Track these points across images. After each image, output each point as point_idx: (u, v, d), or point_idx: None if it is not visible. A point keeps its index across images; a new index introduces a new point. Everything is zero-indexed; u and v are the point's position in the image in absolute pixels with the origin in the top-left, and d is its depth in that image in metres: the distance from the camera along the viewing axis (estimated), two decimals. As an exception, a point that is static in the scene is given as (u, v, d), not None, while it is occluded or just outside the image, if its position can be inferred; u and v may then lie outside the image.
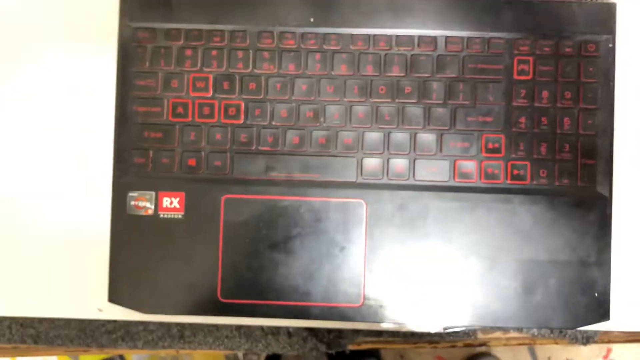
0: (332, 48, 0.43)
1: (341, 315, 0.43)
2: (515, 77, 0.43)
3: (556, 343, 0.46)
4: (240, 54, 0.43)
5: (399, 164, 0.43)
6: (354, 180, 0.43)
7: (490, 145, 0.43)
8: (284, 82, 0.43)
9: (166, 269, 0.43)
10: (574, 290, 0.42)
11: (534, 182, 0.43)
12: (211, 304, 0.43)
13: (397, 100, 0.43)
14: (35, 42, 0.45)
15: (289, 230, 0.43)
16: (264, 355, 0.84)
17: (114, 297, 0.43)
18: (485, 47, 0.43)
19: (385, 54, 0.43)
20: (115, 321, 0.45)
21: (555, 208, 0.42)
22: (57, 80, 0.45)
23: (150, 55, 0.43)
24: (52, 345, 0.46)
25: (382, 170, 0.43)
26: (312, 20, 0.43)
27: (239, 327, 0.45)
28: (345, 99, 0.43)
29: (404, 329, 0.45)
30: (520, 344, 0.46)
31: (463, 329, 0.45)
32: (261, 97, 0.43)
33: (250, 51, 0.43)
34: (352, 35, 0.43)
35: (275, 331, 0.45)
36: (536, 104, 0.43)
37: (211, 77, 0.43)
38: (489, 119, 0.43)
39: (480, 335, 0.46)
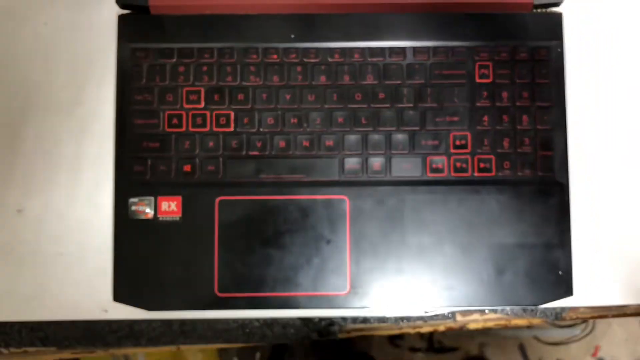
0: (311, 61, 0.48)
1: (330, 303, 0.46)
2: (477, 80, 0.48)
3: (529, 323, 0.50)
4: (229, 68, 0.48)
5: (377, 162, 0.47)
6: (336, 178, 0.47)
7: (457, 142, 0.47)
8: (269, 92, 0.48)
9: (166, 267, 0.46)
10: (540, 270, 0.46)
11: (499, 174, 0.47)
12: (209, 298, 0.46)
13: (372, 106, 0.48)
14: (41, 61, 0.49)
15: (279, 227, 0.46)
16: (258, 355, 0.86)
17: (119, 296, 0.46)
18: (449, 55, 0.48)
19: (360, 65, 0.48)
20: (119, 321, 0.48)
21: (519, 196, 0.47)
22: (60, 98, 0.49)
23: (147, 73, 0.48)
24: (60, 347, 0.48)
25: (361, 168, 0.47)
26: (292, 36, 0.48)
27: (236, 321, 0.48)
28: (325, 106, 0.48)
29: (388, 314, 0.49)
30: (496, 325, 0.50)
31: (442, 311, 0.49)
32: (249, 106, 0.48)
33: (238, 66, 0.48)
34: (329, 49, 0.48)
35: (270, 322, 0.48)
36: (497, 104, 0.48)
37: (203, 90, 0.48)
38: (455, 118, 0.48)
39: (459, 318, 0.50)
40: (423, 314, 0.49)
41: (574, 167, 0.48)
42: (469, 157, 0.47)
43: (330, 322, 0.49)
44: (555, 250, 0.46)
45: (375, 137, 0.47)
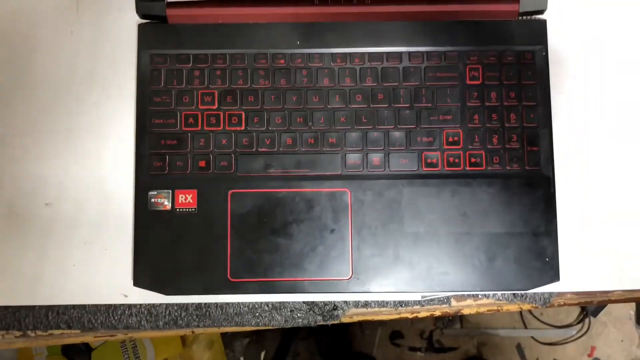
0: (316, 65, 0.52)
1: (333, 287, 0.50)
2: (468, 82, 0.52)
3: (519, 307, 0.54)
4: (240, 72, 0.52)
5: (376, 157, 0.51)
6: (339, 172, 0.51)
7: (450, 139, 0.51)
8: (277, 94, 0.52)
9: (183, 255, 0.50)
10: (528, 257, 0.50)
11: (489, 168, 0.51)
12: (222, 283, 0.50)
13: (371, 106, 0.52)
14: (68, 66, 0.54)
15: (286, 217, 0.50)
16: (263, 354, 0.89)
17: (138, 282, 0.50)
18: (442, 59, 0.52)
19: (360, 68, 0.52)
20: (138, 305, 0.52)
21: (508, 188, 0.51)
22: (85, 100, 0.53)
23: (165, 77, 0.52)
24: (84, 330, 0.52)
25: (362, 163, 0.51)
26: (298, 43, 0.52)
27: (246, 305, 0.52)
28: (329, 106, 0.52)
29: (388, 299, 0.52)
30: (489, 310, 0.54)
31: (438, 296, 0.53)
32: (259, 107, 0.52)
33: (249, 70, 0.52)
34: (332, 54, 0.52)
35: (279, 306, 0.52)
36: (487, 104, 0.52)
37: (216, 92, 0.52)
38: (448, 117, 0.52)
39: (454, 303, 0.53)
40: (420, 299, 0.53)
41: (558, 161, 0.52)
42: (461, 152, 0.51)
43: (334, 306, 0.53)
44: (542, 239, 0.50)
45: (375, 134, 0.51)
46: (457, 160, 0.51)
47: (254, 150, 0.51)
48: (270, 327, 0.53)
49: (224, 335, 1.02)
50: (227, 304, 0.52)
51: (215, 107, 0.52)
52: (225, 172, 0.51)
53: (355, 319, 0.54)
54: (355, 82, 0.52)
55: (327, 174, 0.51)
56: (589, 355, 1.28)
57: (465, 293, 0.53)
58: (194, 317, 0.52)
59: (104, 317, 0.52)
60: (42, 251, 0.52)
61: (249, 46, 0.52)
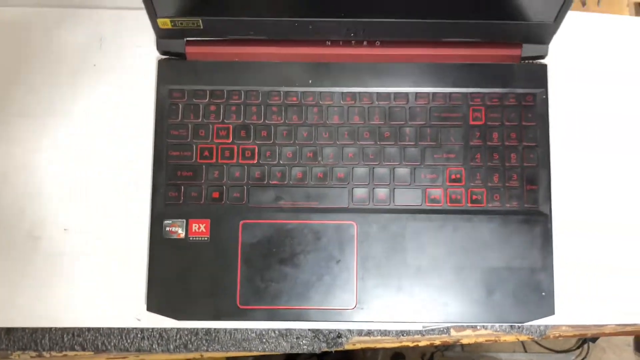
0: (326, 103, 0.55)
1: (338, 316, 0.52)
2: (471, 122, 0.54)
3: (517, 338, 0.56)
4: (254, 108, 0.55)
5: (382, 192, 0.54)
6: (346, 206, 0.54)
7: (453, 177, 0.54)
8: (289, 130, 0.54)
9: (195, 282, 0.52)
10: (525, 291, 0.52)
11: (490, 205, 0.53)
12: (232, 310, 0.52)
13: (378, 143, 0.54)
14: (90, 98, 0.56)
15: (295, 248, 0.53)
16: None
17: (151, 306, 0.53)
18: (447, 100, 0.55)
19: (368, 107, 0.55)
20: (150, 329, 0.54)
21: (507, 225, 0.53)
22: (105, 131, 0.56)
23: (182, 111, 0.54)
24: (97, 351, 0.54)
25: (368, 197, 0.54)
26: (310, 82, 0.55)
27: (254, 331, 0.54)
28: (338, 142, 0.54)
29: (390, 328, 0.54)
30: (487, 340, 0.56)
31: (438, 326, 0.55)
32: (271, 142, 0.54)
33: (262, 106, 0.55)
34: (342, 93, 0.55)
35: (285, 333, 0.54)
36: (488, 143, 0.54)
37: (231, 127, 0.54)
38: (451, 155, 0.54)
39: (453, 333, 0.55)
40: (421, 329, 0.55)
41: (556, 199, 0.54)
42: (463, 189, 0.54)
43: (339, 334, 0.55)
44: (539, 274, 0.52)
45: (381, 170, 0.54)
46: (459, 197, 0.54)
47: (265, 182, 0.54)
48: (276, 353, 0.55)
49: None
50: (236, 329, 0.54)
51: (230, 140, 0.54)
52: (238, 203, 0.54)
53: (359, 346, 0.56)
54: (363, 120, 0.55)
55: (335, 207, 0.54)
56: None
57: (464, 324, 0.55)
58: (204, 341, 0.54)
59: (117, 340, 0.54)
60: (60, 274, 0.54)
61: (263, 83, 0.55)
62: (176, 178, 0.54)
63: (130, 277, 0.54)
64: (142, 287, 0.53)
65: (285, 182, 0.54)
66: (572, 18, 0.58)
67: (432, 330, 0.55)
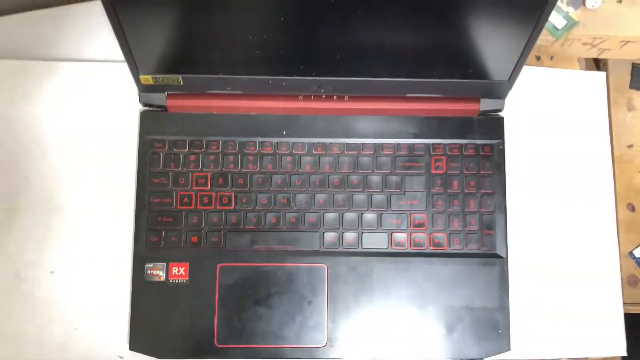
0: (299, 153, 0.59)
1: (310, 354, 0.56)
2: (433, 171, 0.59)
3: (477, 371, 0.60)
4: (231, 157, 0.58)
5: (350, 236, 0.58)
6: (317, 249, 0.57)
7: (416, 222, 0.58)
8: (264, 177, 0.58)
9: (175, 322, 0.56)
10: (483, 329, 0.56)
11: (450, 248, 0.58)
12: (210, 348, 0.55)
13: (347, 190, 0.58)
14: (75, 144, 0.60)
15: (269, 289, 0.56)
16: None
17: (134, 345, 0.56)
18: (411, 150, 0.59)
19: (338, 157, 0.59)
20: (132, 366, 0.57)
21: (467, 267, 0.57)
22: (89, 177, 0.59)
23: (163, 160, 0.58)
24: (81, 388, 0.57)
25: (338, 241, 0.58)
26: (284, 132, 0.59)
27: (231, 367, 0.58)
28: (309, 189, 0.58)
29: (359, 364, 0.58)
30: (449, 373, 0.60)
31: (403, 362, 0.59)
32: (247, 189, 0.58)
33: (239, 155, 0.58)
34: (313, 143, 0.59)
35: (260, 369, 0.58)
36: (449, 191, 0.58)
37: (209, 175, 0.58)
38: (415, 202, 0.58)
39: (417, 367, 0.59)
40: (387, 364, 0.59)
41: (512, 242, 0.58)
42: (425, 234, 0.58)
43: (310, 369, 0.58)
44: (496, 312, 0.57)
45: (350, 216, 0.58)
46: (422, 241, 0.58)
47: (241, 227, 0.57)
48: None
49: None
50: (214, 366, 0.58)
51: (208, 188, 0.58)
52: (215, 247, 0.57)
53: (330, 380, 0.60)
54: (333, 168, 0.58)
55: (307, 250, 0.57)
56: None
57: (428, 359, 0.59)
58: (183, 378, 0.57)
59: (101, 376, 0.57)
60: (47, 314, 0.57)
61: (240, 134, 0.59)
62: (157, 223, 0.57)
63: (114, 318, 0.57)
64: (125, 327, 0.56)
65: (260, 227, 0.57)
66: (528, 72, 0.63)
67: (398, 365, 0.59)
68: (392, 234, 0.58)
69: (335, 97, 0.59)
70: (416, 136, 0.59)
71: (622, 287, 0.62)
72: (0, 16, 0.64)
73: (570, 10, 0.61)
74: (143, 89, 0.57)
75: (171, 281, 0.56)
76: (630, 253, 0.63)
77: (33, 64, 0.61)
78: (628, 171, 0.64)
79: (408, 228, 0.58)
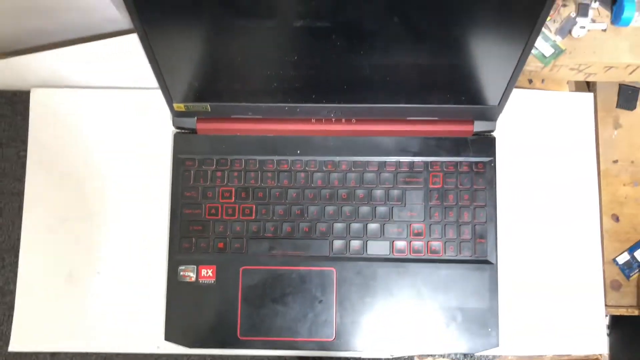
0: (311, 169, 0.66)
1: (320, 346, 0.64)
2: (431, 186, 0.66)
3: (470, 365, 0.67)
4: (252, 174, 0.66)
5: (356, 244, 0.65)
6: (327, 255, 0.65)
7: (415, 231, 0.65)
8: (281, 191, 0.66)
9: (204, 317, 0.64)
10: (475, 326, 0.63)
11: (446, 255, 0.65)
12: (233, 340, 0.64)
13: (354, 203, 0.66)
14: (120, 162, 0.69)
15: (285, 290, 0.64)
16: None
17: (168, 336, 0.64)
18: (411, 167, 0.66)
19: (346, 173, 0.66)
20: (168, 354, 0.66)
21: (460, 272, 0.64)
22: (131, 190, 0.68)
23: (193, 176, 0.66)
24: (124, 372, 0.67)
25: (345, 248, 0.65)
26: (298, 152, 0.67)
27: (252, 357, 0.66)
28: (320, 202, 0.66)
29: (364, 356, 0.66)
30: (446, 366, 0.67)
31: (403, 355, 0.66)
32: (266, 201, 0.66)
33: (259, 172, 0.66)
34: (324, 161, 0.66)
35: (277, 358, 0.66)
36: (445, 204, 0.66)
37: (234, 189, 0.66)
38: (414, 214, 0.65)
39: (416, 358, 0.67)
40: (389, 357, 0.66)
41: (501, 250, 0.65)
42: (423, 242, 0.65)
43: (321, 360, 0.66)
44: (486, 312, 0.64)
45: (356, 225, 0.66)
46: (420, 248, 0.65)
47: (261, 235, 0.66)
48: (271, 375, 0.67)
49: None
50: (237, 356, 0.66)
51: (232, 200, 0.66)
52: (238, 253, 0.65)
53: (339, 369, 0.68)
54: (342, 183, 0.66)
55: (318, 255, 0.65)
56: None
57: (425, 353, 0.66)
58: (211, 365, 0.66)
59: (141, 363, 0.66)
60: (95, 309, 0.66)
61: (260, 153, 0.67)
62: (188, 231, 0.66)
63: (152, 313, 0.66)
64: (161, 321, 0.65)
65: (278, 235, 0.66)
66: (520, 94, 0.69)
67: (398, 358, 0.66)
68: (394, 242, 0.65)
69: (343, 120, 0.66)
70: (415, 154, 0.66)
71: (606, 291, 0.68)
72: (52, 49, 0.73)
73: (558, 39, 0.67)
74: (176, 114, 0.66)
75: (200, 282, 0.65)
76: (614, 260, 0.69)
77: (84, 91, 0.70)
78: (613, 185, 0.70)
79: (408, 237, 0.65)
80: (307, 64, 0.57)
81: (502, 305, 0.64)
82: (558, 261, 0.66)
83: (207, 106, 0.64)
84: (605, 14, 0.66)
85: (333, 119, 0.66)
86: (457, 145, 0.66)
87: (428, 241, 0.65)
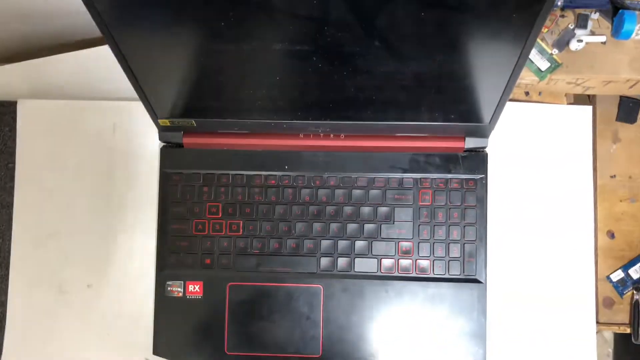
0: (299, 185, 0.66)
1: (307, 363, 0.64)
2: (420, 203, 0.65)
3: (458, 380, 0.67)
4: (239, 189, 0.66)
5: (344, 261, 0.65)
6: (314, 272, 0.65)
7: (404, 249, 0.65)
8: (268, 207, 0.66)
9: (191, 332, 0.65)
10: (462, 345, 0.63)
11: (434, 273, 0.64)
12: (220, 355, 0.64)
13: (341, 219, 0.65)
14: (107, 174, 0.68)
15: (272, 306, 0.64)
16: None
17: (157, 350, 0.65)
18: (400, 184, 0.65)
19: (334, 189, 0.65)
20: (156, 367, 0.67)
21: (448, 290, 0.64)
22: (118, 203, 0.68)
23: (181, 191, 0.66)
24: (114, 383, 0.68)
25: (332, 265, 0.65)
26: (286, 167, 0.66)
27: (239, 371, 0.67)
28: (308, 218, 0.65)
29: (350, 372, 0.66)
30: (433, 381, 0.67)
31: (390, 371, 0.66)
32: (254, 217, 0.66)
33: (246, 188, 0.66)
34: (312, 177, 0.65)
35: (264, 373, 0.67)
36: (434, 222, 0.65)
37: (221, 205, 0.66)
38: (402, 231, 0.65)
39: (403, 376, 0.67)
40: (376, 372, 0.66)
41: (492, 266, 0.64)
42: (411, 260, 0.64)
43: (308, 375, 0.67)
44: (474, 330, 0.63)
45: (343, 243, 0.65)
46: (408, 266, 0.64)
47: (248, 251, 0.65)
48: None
49: None
50: (225, 370, 0.67)
51: (219, 216, 0.66)
52: (226, 269, 0.65)
53: (326, 383, 0.68)
54: (329, 200, 0.65)
55: (305, 272, 0.65)
56: None
57: (413, 369, 0.66)
58: (199, 378, 0.67)
59: (130, 375, 0.67)
60: (85, 322, 0.67)
61: (247, 168, 0.66)
62: (176, 247, 0.66)
63: (141, 326, 0.66)
64: (150, 335, 0.66)
65: (265, 251, 0.65)
66: (515, 108, 0.67)
67: (385, 374, 0.66)
68: (381, 260, 0.64)
69: (332, 135, 0.65)
70: (405, 171, 0.65)
71: (598, 308, 0.67)
72: (41, 57, 0.73)
73: (555, 52, 0.65)
74: (161, 129, 0.65)
75: (188, 297, 0.65)
76: (608, 277, 0.68)
77: (74, 103, 0.70)
78: (610, 200, 0.68)
79: (396, 254, 0.64)
80: (290, 84, 0.56)
81: (492, 321, 0.64)
82: (550, 278, 0.65)
83: (192, 122, 0.63)
84: (606, 25, 0.64)
85: (321, 134, 0.65)
86: (447, 162, 0.65)
87: (416, 259, 0.64)
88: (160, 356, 0.65)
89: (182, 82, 0.57)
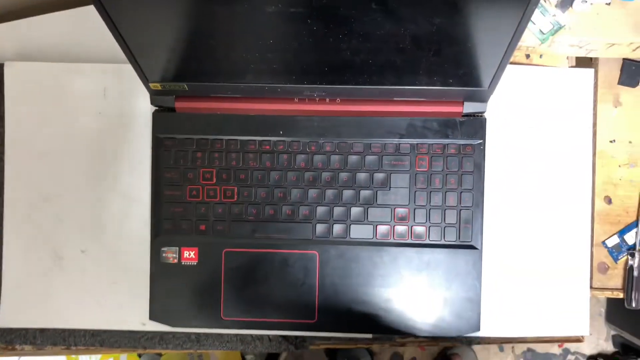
0: (294, 151, 0.64)
1: (302, 327, 0.65)
2: (417, 169, 0.64)
3: (453, 345, 0.68)
4: (234, 155, 0.65)
5: (340, 227, 0.64)
6: (310, 238, 0.65)
7: (399, 215, 0.64)
8: (263, 173, 0.65)
9: (187, 297, 0.65)
10: (457, 310, 0.63)
11: (429, 240, 0.64)
12: (217, 320, 0.65)
13: (337, 186, 0.64)
14: (97, 140, 0.67)
15: (268, 272, 0.64)
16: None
17: (153, 315, 0.65)
18: (397, 150, 0.64)
19: (330, 155, 0.64)
20: (153, 332, 0.67)
21: (443, 256, 0.63)
22: (111, 170, 0.67)
23: (173, 157, 0.65)
24: (111, 347, 0.68)
25: (328, 232, 0.64)
26: (281, 132, 0.64)
27: (236, 335, 0.67)
28: (303, 185, 0.65)
29: (344, 336, 0.67)
30: (428, 344, 0.68)
31: (386, 338, 0.67)
32: (248, 183, 0.65)
33: (241, 153, 0.65)
34: (307, 142, 0.64)
35: (260, 337, 0.67)
36: (431, 188, 0.64)
37: (215, 171, 0.65)
38: (398, 197, 0.64)
39: (397, 339, 0.68)
40: (370, 337, 0.67)
41: (488, 234, 0.64)
42: (407, 226, 0.64)
43: (303, 339, 0.67)
44: (468, 297, 0.63)
45: (339, 209, 0.64)
46: (404, 232, 0.64)
47: (243, 218, 0.65)
48: (254, 353, 0.68)
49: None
50: (221, 334, 0.67)
51: (214, 182, 0.65)
52: (221, 235, 0.65)
53: (321, 347, 0.69)
54: (325, 165, 0.64)
55: (301, 239, 0.65)
56: (560, 346, 1.42)
57: (407, 336, 0.67)
58: (195, 342, 0.67)
59: (128, 339, 0.68)
60: (81, 287, 0.67)
61: (241, 133, 0.65)
62: (170, 213, 0.65)
63: (137, 292, 0.66)
64: (146, 300, 0.66)
65: (260, 218, 0.65)
66: (516, 71, 0.66)
67: (379, 338, 0.67)
68: (377, 226, 0.64)
69: (327, 100, 0.63)
70: (402, 136, 0.64)
71: (593, 273, 0.67)
72: (21, 18, 0.70)
73: (558, 13, 0.62)
74: (153, 93, 0.63)
75: (183, 263, 0.65)
76: (603, 242, 0.67)
77: (62, 65, 0.68)
78: (609, 165, 0.67)
79: (392, 221, 0.64)
80: (284, 48, 0.54)
81: (487, 288, 0.64)
82: (546, 244, 0.65)
83: (185, 85, 0.61)
84: (612, -16, 0.62)
85: (317, 99, 0.63)
86: (445, 127, 0.64)
87: (412, 225, 0.64)
88: (157, 321, 0.65)
89: (173, 45, 0.55)
